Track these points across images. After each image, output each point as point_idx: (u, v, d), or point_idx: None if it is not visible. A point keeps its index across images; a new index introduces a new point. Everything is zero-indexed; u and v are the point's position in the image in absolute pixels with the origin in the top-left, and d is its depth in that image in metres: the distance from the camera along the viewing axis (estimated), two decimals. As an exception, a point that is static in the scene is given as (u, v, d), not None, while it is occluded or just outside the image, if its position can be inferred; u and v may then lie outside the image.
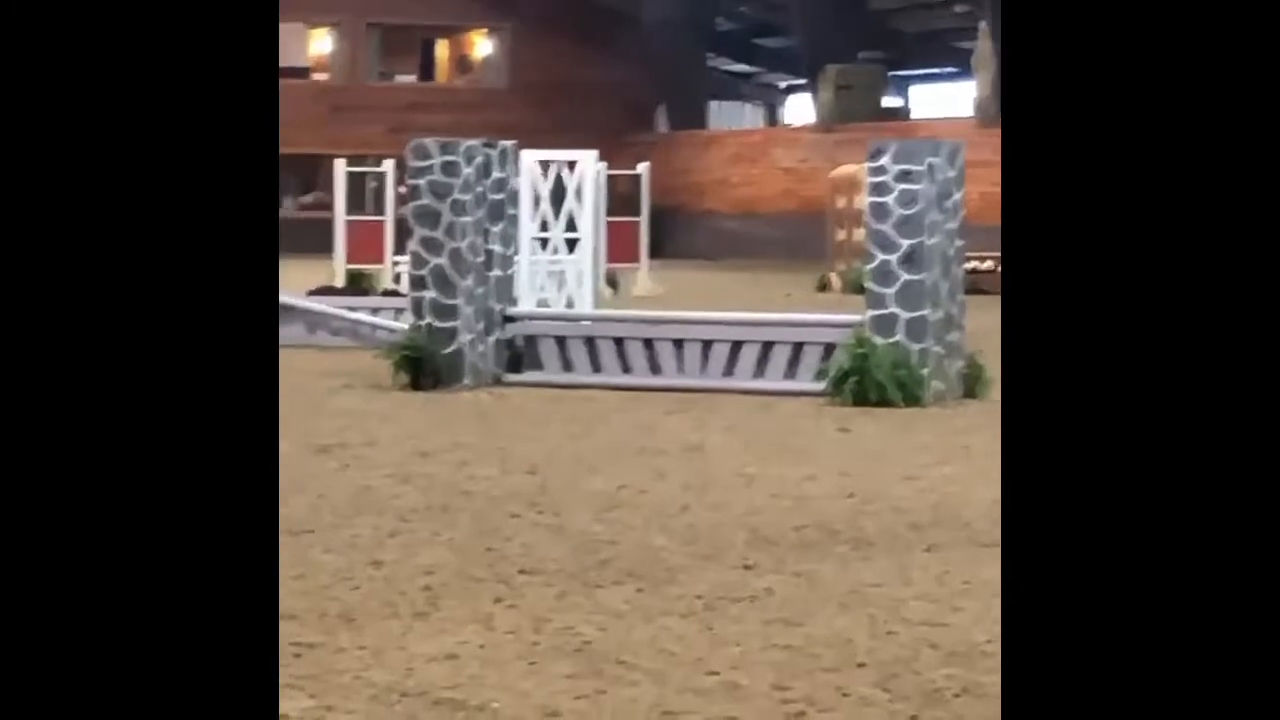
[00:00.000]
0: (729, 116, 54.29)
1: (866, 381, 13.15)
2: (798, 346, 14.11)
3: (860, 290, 16.13)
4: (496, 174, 14.63)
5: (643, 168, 27.97)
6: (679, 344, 14.46)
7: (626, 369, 14.47)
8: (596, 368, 14.64)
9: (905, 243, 13.38)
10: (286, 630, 6.21)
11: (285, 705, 5.33)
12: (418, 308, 14.27)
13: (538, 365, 14.75)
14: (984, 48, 36.04)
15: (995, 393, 13.36)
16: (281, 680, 5.59)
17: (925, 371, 13.32)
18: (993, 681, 5.51)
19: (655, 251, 29.78)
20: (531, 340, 14.80)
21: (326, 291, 20.73)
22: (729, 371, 14.30)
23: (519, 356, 14.79)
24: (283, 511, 8.53)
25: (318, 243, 30.19)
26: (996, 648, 5.82)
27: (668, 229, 40.45)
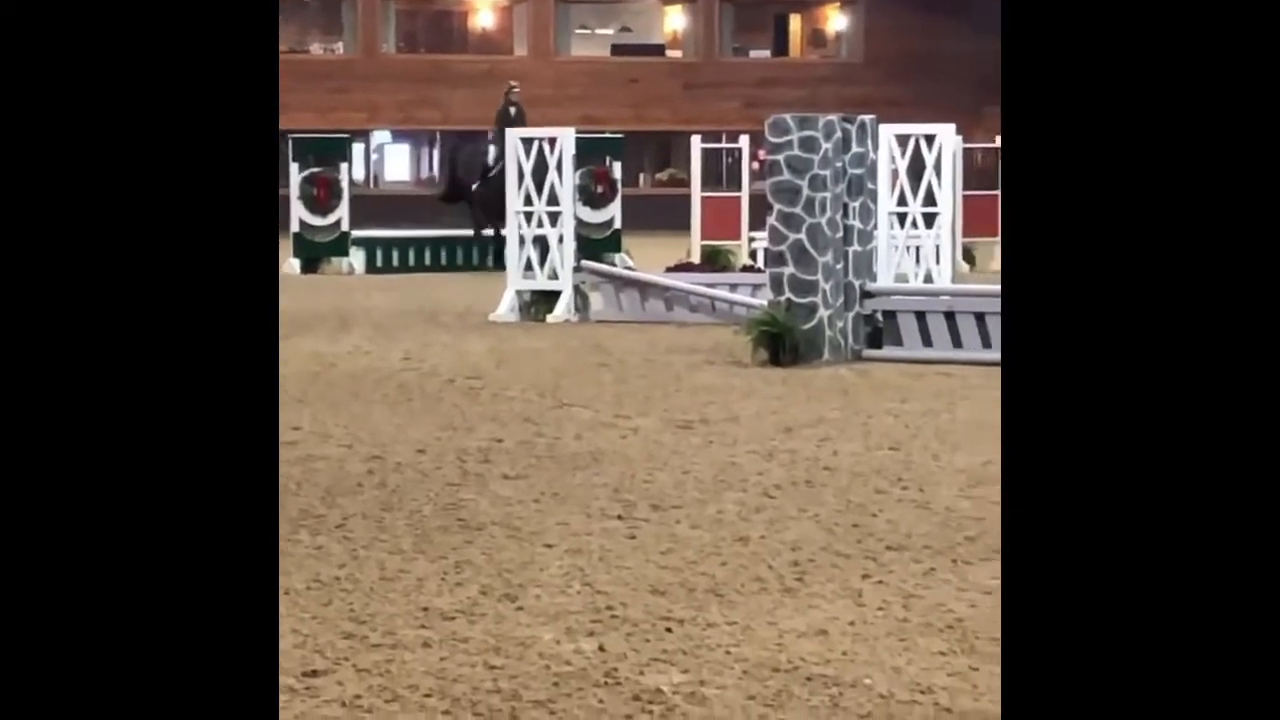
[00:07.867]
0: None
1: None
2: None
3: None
4: (856, 148, 14.58)
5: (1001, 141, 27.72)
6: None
7: (987, 344, 14.30)
8: (957, 343, 14.51)
9: None
10: (656, 604, 6.27)
11: (658, 679, 5.39)
12: (777, 283, 14.28)
13: (897, 341, 14.67)
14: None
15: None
16: (653, 655, 5.65)
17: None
18: None
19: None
20: (891, 316, 14.73)
21: (684, 268, 20.85)
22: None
23: (878, 332, 14.72)
24: (649, 487, 8.62)
25: (674, 219, 30.45)
26: None
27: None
